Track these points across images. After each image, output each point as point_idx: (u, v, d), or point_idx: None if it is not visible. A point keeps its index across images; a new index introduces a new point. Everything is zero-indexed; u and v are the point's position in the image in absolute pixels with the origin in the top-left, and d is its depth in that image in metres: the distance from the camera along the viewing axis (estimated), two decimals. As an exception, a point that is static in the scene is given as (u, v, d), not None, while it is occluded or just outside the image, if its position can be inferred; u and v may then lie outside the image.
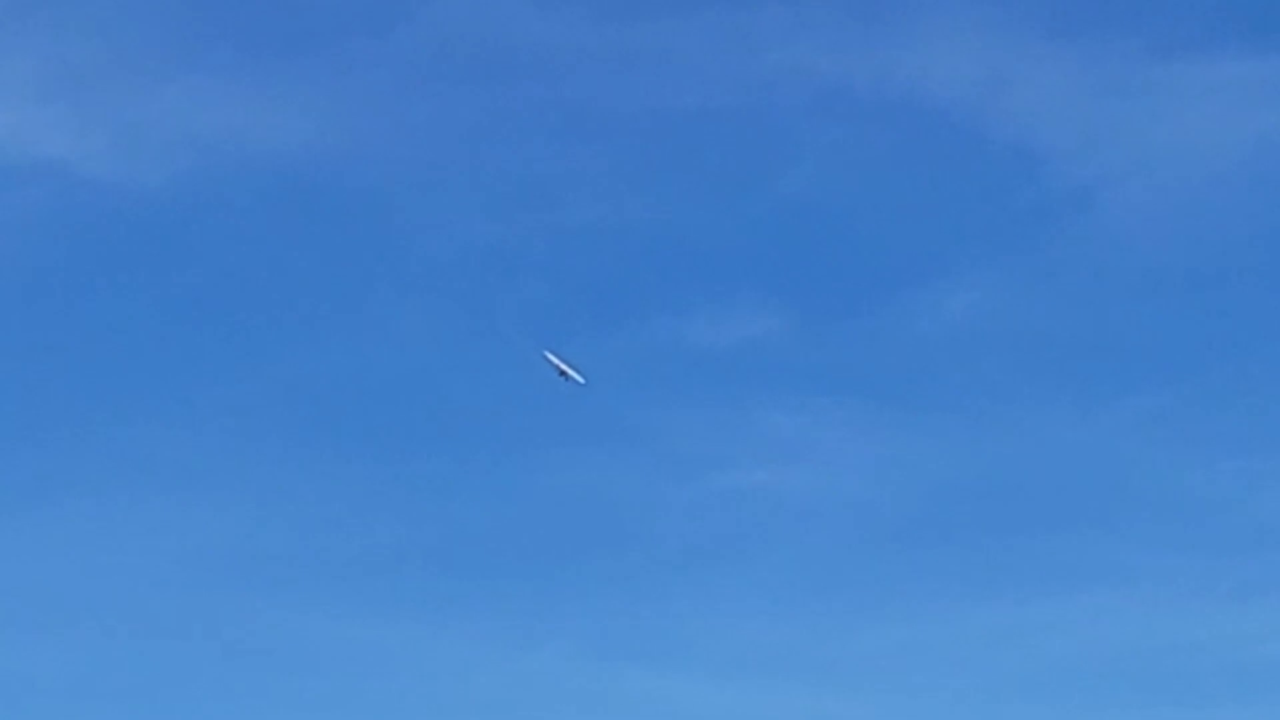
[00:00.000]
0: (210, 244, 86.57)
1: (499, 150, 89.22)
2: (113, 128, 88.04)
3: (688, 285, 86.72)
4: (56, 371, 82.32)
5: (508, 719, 72.89)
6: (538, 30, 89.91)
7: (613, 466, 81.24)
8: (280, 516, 78.53)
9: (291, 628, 74.46)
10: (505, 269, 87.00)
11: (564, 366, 71.18)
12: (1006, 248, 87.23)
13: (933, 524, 79.91)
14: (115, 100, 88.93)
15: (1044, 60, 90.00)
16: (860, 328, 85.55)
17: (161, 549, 76.39)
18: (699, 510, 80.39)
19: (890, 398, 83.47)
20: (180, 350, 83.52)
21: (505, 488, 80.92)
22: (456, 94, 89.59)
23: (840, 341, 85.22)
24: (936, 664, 75.10)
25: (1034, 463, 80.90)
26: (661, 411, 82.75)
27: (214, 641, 73.48)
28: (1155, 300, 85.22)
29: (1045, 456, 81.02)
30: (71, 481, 78.31)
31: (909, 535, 79.67)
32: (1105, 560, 77.44)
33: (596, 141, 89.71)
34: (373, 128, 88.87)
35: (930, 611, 76.88)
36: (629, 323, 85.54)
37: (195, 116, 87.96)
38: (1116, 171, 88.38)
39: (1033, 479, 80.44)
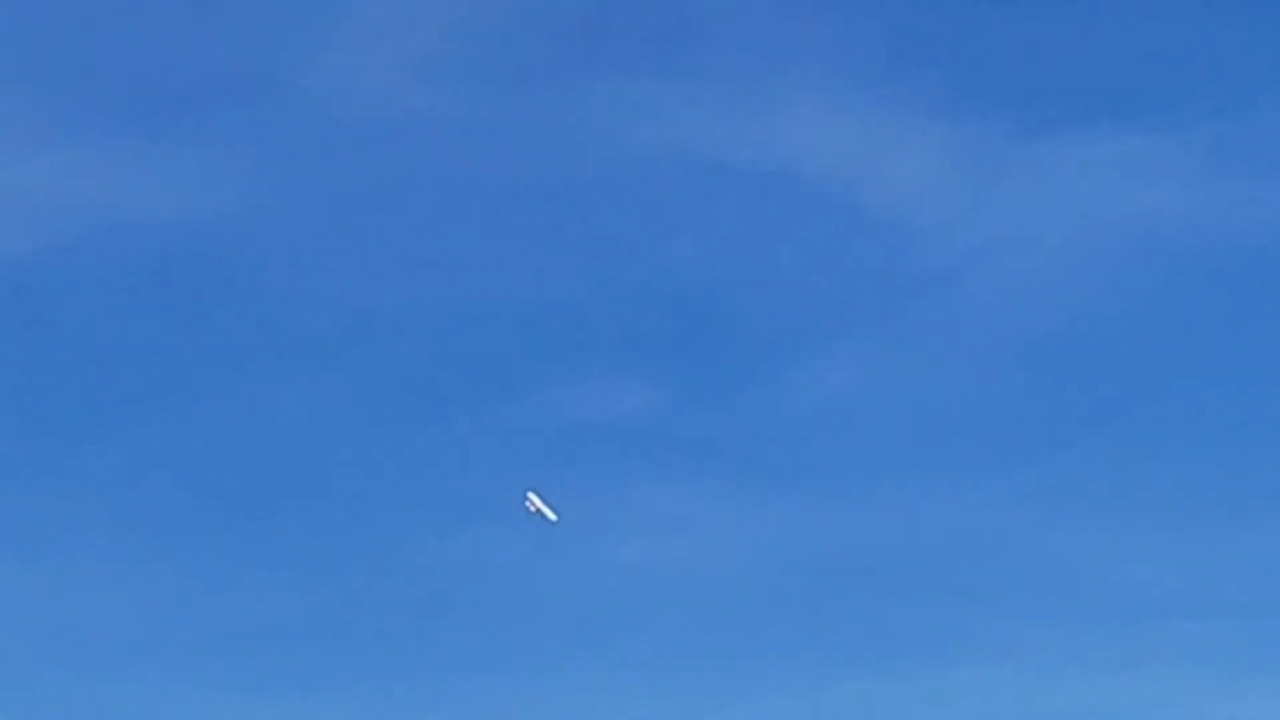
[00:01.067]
0: (80, 314, 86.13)
1: (377, 221, 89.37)
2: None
3: (566, 358, 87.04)
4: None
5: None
6: (417, 99, 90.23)
7: (489, 540, 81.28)
8: (149, 588, 77.98)
9: (154, 701, 73.86)
10: (381, 341, 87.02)
11: (541, 506, 71.93)
12: (881, 322, 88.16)
13: (809, 598, 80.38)
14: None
15: (919, 137, 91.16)
16: (737, 402, 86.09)
17: (14, 619, 75.60)
18: (575, 584, 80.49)
19: (768, 472, 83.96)
20: (47, 420, 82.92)
21: (379, 560, 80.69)
22: (334, 163, 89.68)
23: (718, 415, 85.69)
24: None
25: (909, 536, 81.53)
26: (538, 485, 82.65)
27: (68, 716, 72.74)
28: (1027, 376, 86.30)
29: (920, 530, 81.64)
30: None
31: (786, 609, 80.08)
32: (979, 633, 78.16)
33: (475, 213, 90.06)
34: (249, 196, 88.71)
35: (807, 685, 77.28)
36: (506, 396, 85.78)
37: (66, 185, 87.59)
38: (990, 247, 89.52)
39: (908, 553, 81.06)
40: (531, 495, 71.78)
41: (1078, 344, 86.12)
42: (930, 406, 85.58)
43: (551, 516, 71.71)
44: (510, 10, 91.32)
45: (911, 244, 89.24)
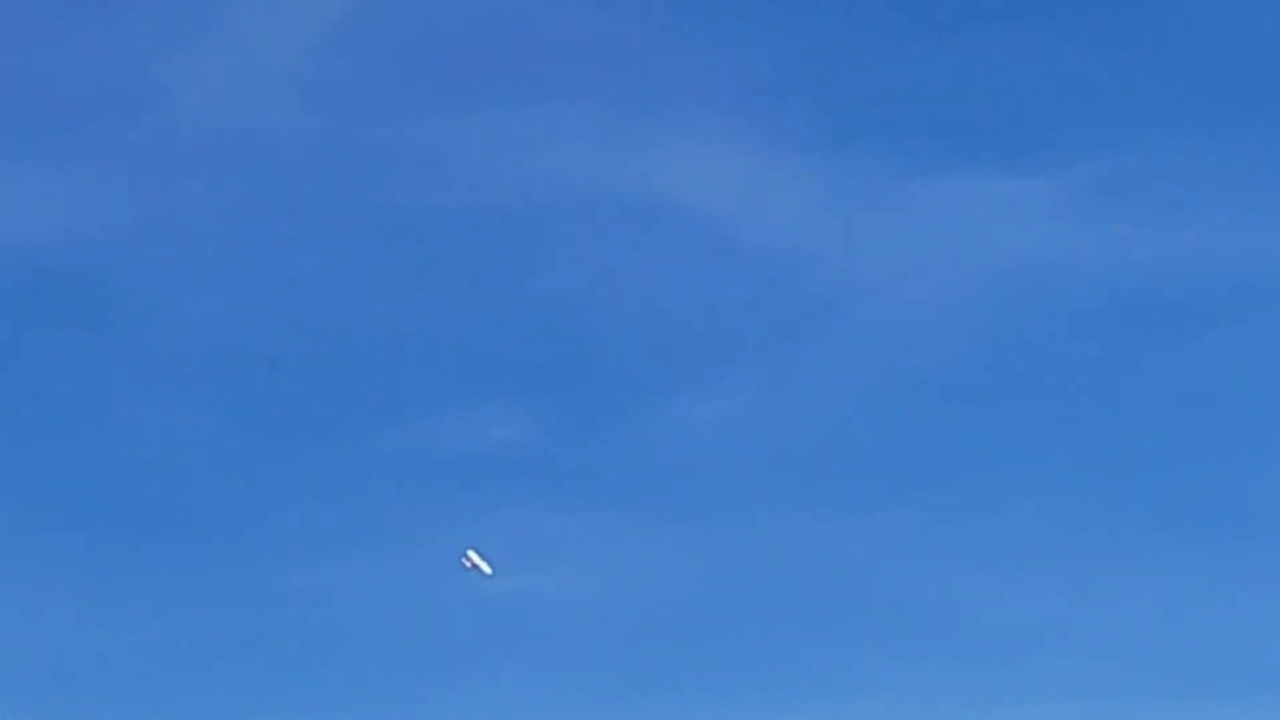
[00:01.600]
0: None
1: (249, 245, 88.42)
2: None
3: (439, 387, 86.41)
4: None
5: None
6: (293, 121, 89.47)
7: (361, 570, 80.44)
8: (4, 618, 76.45)
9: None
10: (253, 366, 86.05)
11: (479, 562, 71.98)
12: (760, 356, 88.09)
13: (683, 631, 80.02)
14: None
15: (799, 173, 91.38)
16: (613, 433, 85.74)
17: None
18: (449, 616, 79.79)
19: (642, 504, 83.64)
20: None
21: (246, 589, 79.68)
22: (204, 183, 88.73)
23: (593, 447, 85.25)
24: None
25: (783, 571, 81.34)
26: (411, 515, 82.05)
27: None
28: (903, 414, 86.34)
29: (794, 565, 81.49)
30: None
31: (659, 642, 79.67)
32: (851, 669, 78.01)
33: (350, 238, 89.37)
34: (116, 216, 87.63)
35: (676, 718, 76.89)
36: (379, 424, 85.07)
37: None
38: (869, 284, 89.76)
39: (782, 587, 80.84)
40: (471, 553, 71.69)
41: (953, 384, 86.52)
42: (807, 441, 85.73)
43: (487, 571, 71.56)
44: (386, 31, 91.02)
45: (790, 279, 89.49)
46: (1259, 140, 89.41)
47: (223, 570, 79.71)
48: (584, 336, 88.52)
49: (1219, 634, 77.24)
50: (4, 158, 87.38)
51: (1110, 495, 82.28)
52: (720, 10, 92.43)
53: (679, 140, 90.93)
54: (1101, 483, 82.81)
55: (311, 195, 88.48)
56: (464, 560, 71.75)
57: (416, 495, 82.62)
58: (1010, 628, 78.17)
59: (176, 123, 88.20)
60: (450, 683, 77.74)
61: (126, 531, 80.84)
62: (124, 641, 76.77)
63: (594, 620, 79.96)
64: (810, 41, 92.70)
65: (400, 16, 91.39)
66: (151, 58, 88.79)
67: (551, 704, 77.27)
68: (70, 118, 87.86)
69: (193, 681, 76.31)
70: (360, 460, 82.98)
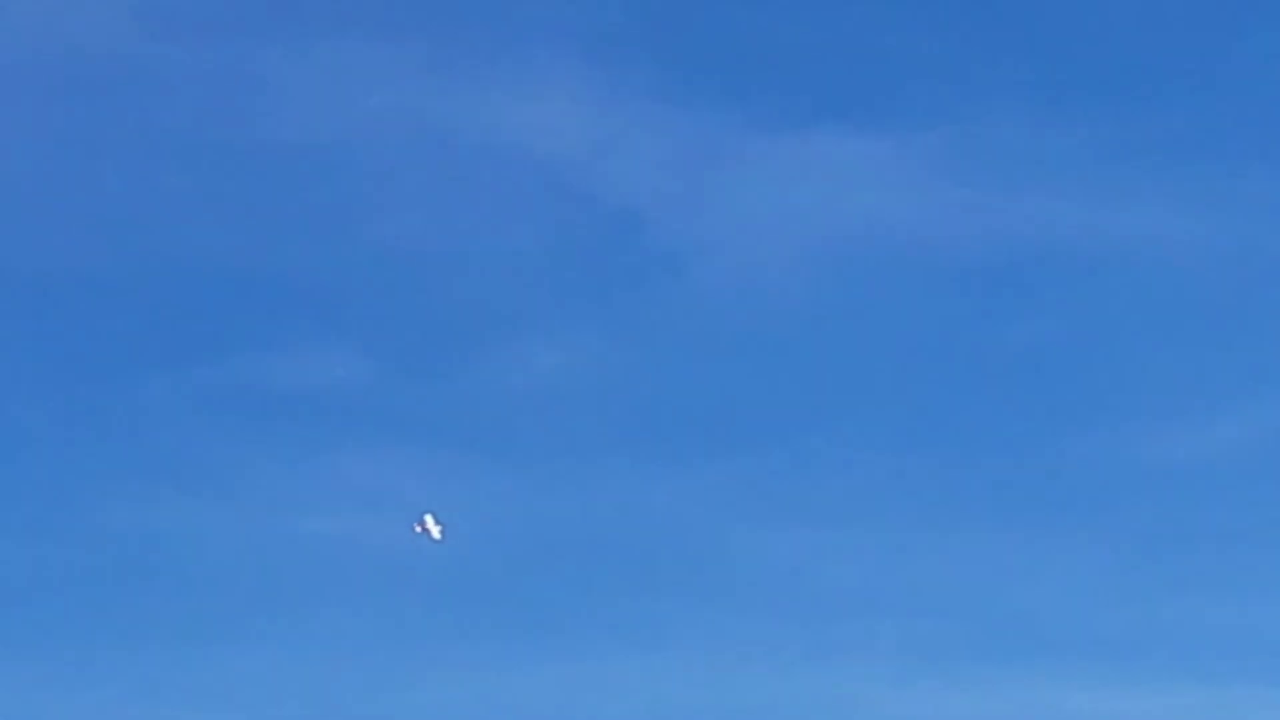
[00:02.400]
0: None
1: (76, 171, 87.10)
2: None
3: (272, 324, 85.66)
4: None
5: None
6: (132, 48, 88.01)
7: (186, 508, 79.88)
8: None
9: None
10: (79, 297, 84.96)
11: (431, 527, 71.87)
12: (602, 307, 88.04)
13: (511, 580, 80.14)
14: None
15: (649, 124, 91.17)
16: (449, 378, 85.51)
17: None
18: (274, 556, 79.47)
19: (476, 450, 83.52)
20: None
21: (66, 526, 79.02)
22: (32, 108, 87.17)
23: (428, 391, 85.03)
24: (512, 718, 75.22)
25: (616, 523, 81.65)
26: (239, 454, 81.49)
27: None
28: (743, 368, 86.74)
29: (628, 517, 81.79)
30: None
31: (487, 590, 79.78)
32: (674, 622, 78.45)
33: (187, 169, 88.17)
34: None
35: (504, 666, 77.17)
36: (208, 360, 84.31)
37: None
38: (713, 239, 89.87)
39: (614, 539, 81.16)
40: (427, 518, 71.69)
41: (790, 343, 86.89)
42: (644, 394, 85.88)
43: (436, 536, 71.33)
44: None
45: (634, 232, 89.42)
46: (1104, 114, 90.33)
47: (41, 506, 79.09)
48: (424, 279, 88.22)
49: (1039, 603, 78.42)
50: None
51: (938, 462, 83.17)
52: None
53: (526, 86, 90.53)
54: (930, 449, 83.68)
55: (143, 122, 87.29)
56: (416, 526, 71.68)
57: (246, 433, 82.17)
58: (831, 588, 79.01)
59: (1, 44, 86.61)
60: (277, 624, 77.58)
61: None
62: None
63: (422, 563, 79.83)
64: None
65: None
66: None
67: (377, 646, 77.36)
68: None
69: (7, 619, 75.63)
70: (188, 395, 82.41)
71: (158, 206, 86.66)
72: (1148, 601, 76.99)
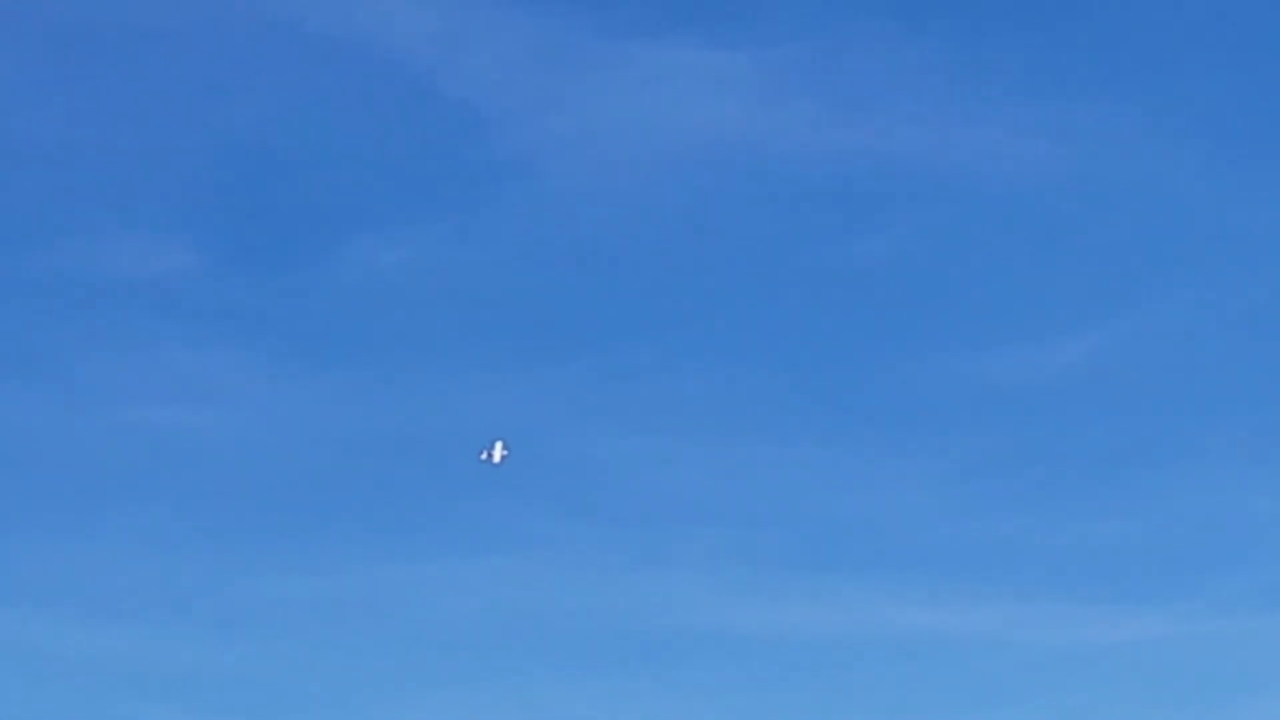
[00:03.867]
0: None
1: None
2: None
3: (103, 211, 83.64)
4: None
5: None
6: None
7: (8, 393, 77.90)
8: None
9: None
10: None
11: (497, 452, 70.67)
12: (446, 206, 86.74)
13: (339, 477, 79.04)
14: None
15: (502, 24, 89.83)
16: (285, 274, 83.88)
17: None
18: (98, 445, 77.92)
19: (310, 348, 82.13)
20: None
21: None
22: None
23: (262, 286, 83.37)
24: (335, 617, 74.34)
25: (448, 424, 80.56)
26: (65, 340, 79.61)
27: None
28: (587, 274, 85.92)
29: (460, 419, 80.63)
30: None
31: (315, 486, 78.64)
32: (510, 525, 77.73)
33: (20, 48, 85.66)
34: None
35: (331, 564, 76.15)
36: (36, 245, 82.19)
37: None
38: (560, 143, 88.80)
39: (445, 439, 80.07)
40: (497, 445, 70.35)
41: (636, 250, 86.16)
42: (486, 296, 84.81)
43: (498, 459, 70.25)
44: None
45: (482, 132, 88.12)
46: (957, 37, 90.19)
47: None
48: (262, 171, 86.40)
49: (876, 517, 78.39)
50: None
51: (782, 374, 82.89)
52: None
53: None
54: (774, 361, 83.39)
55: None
56: (483, 453, 70.41)
57: (73, 320, 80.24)
58: (670, 495, 78.51)
59: None
60: (104, 513, 76.16)
61: None
62: None
63: (249, 459, 78.65)
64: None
65: None
66: None
67: (207, 539, 76.04)
68: None
69: None
70: (12, 280, 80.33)
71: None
72: (982, 519, 77.38)
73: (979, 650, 73.88)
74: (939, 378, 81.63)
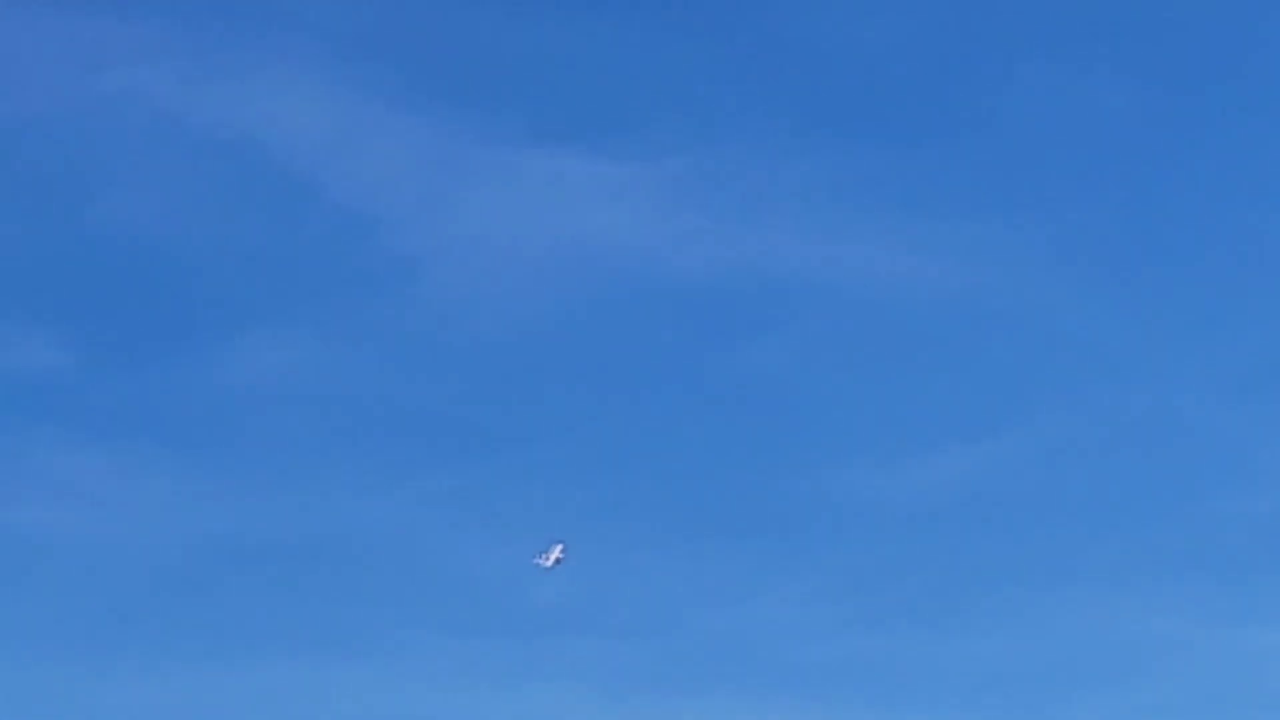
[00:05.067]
0: None
1: None
2: None
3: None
4: None
5: None
6: None
7: None
8: None
9: None
10: None
11: (553, 555, 72.34)
12: (329, 308, 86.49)
13: (206, 581, 78.14)
14: None
15: (391, 129, 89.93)
16: (163, 372, 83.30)
17: None
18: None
19: (186, 448, 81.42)
20: None
21: None
22: None
23: (139, 384, 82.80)
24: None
25: (324, 529, 79.89)
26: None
27: None
28: (469, 380, 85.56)
29: (337, 525, 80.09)
30: None
31: (183, 589, 77.71)
32: (379, 633, 76.99)
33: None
34: None
35: (191, 667, 75.24)
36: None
37: None
38: (447, 248, 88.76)
39: (321, 546, 79.40)
40: (558, 547, 71.76)
41: (518, 357, 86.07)
42: (365, 400, 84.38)
43: (549, 564, 71.95)
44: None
45: (368, 235, 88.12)
46: (839, 152, 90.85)
47: None
48: (140, 267, 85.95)
49: (743, 629, 77.96)
50: None
51: (652, 483, 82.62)
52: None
53: (265, 77, 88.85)
54: (646, 470, 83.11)
55: None
56: (542, 555, 71.88)
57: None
58: (536, 606, 77.89)
59: None
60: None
61: None
62: None
63: (119, 561, 77.73)
64: (412, 1, 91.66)
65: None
66: None
67: (65, 641, 75.01)
68: None
69: None
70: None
71: None
72: (853, 635, 77.09)
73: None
74: (815, 492, 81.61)
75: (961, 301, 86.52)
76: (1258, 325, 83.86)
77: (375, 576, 78.54)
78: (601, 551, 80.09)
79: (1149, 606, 75.60)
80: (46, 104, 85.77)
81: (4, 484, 78.03)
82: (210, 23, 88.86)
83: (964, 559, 78.94)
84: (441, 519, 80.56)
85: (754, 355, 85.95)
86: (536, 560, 71.92)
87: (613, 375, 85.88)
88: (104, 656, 74.88)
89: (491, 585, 78.73)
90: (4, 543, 76.91)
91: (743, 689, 75.27)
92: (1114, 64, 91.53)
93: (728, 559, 79.76)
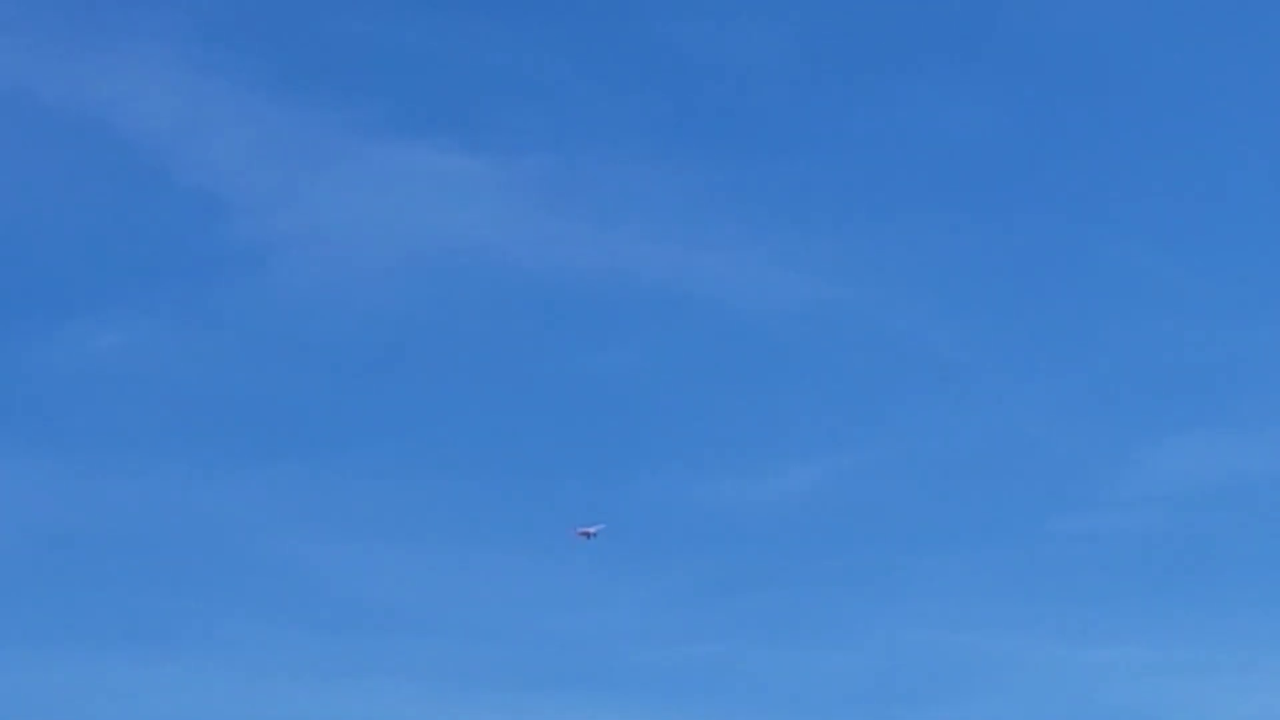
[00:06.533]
0: None
1: None
2: None
3: None
4: None
5: None
6: None
7: None
8: None
9: None
10: None
11: (590, 530, 72.93)
12: (172, 293, 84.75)
13: (29, 570, 76.02)
14: None
15: (243, 114, 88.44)
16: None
17: None
18: None
19: (11, 433, 79.46)
20: None
21: None
22: None
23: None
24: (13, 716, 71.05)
25: (152, 519, 78.06)
26: None
27: None
28: (308, 372, 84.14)
29: (164, 514, 78.24)
30: None
31: (4, 579, 75.52)
32: (207, 626, 75.06)
33: None
34: None
35: (17, 658, 72.98)
36: None
37: None
38: (294, 238, 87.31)
39: (149, 536, 77.55)
40: (591, 529, 72.61)
41: (366, 350, 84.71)
42: (205, 388, 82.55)
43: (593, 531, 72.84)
44: None
45: (217, 221, 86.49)
46: (703, 162, 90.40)
47: None
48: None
49: (585, 633, 76.86)
50: None
51: (500, 485, 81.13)
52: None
53: (117, 59, 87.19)
54: (493, 471, 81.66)
55: None
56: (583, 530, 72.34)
57: None
58: (371, 602, 76.35)
59: None
60: None
61: None
62: None
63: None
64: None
65: None
66: None
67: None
68: None
69: None
70: None
71: None
72: (696, 642, 76.22)
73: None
74: (663, 499, 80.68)
75: (816, 314, 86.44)
76: (1101, 349, 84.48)
77: (206, 568, 76.81)
78: (443, 550, 79.08)
79: (987, 622, 75.59)
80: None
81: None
82: (63, 3, 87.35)
83: (809, 570, 78.56)
84: (277, 511, 79.01)
85: (608, 360, 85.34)
86: (579, 531, 72.44)
87: (461, 374, 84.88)
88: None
89: (326, 580, 77.35)
90: None
91: (581, 692, 74.43)
92: (972, 84, 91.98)
93: (572, 562, 78.65)
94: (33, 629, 73.83)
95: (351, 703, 73.07)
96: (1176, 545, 78.33)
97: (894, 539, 79.41)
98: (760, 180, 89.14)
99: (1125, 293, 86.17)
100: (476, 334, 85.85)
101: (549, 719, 73.42)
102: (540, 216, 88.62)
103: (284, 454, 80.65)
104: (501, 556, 78.73)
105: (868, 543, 79.25)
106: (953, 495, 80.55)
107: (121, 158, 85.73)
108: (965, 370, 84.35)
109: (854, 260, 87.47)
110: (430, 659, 75.05)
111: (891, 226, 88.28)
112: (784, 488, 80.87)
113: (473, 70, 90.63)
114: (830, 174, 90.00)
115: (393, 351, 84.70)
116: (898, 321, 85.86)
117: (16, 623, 73.84)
